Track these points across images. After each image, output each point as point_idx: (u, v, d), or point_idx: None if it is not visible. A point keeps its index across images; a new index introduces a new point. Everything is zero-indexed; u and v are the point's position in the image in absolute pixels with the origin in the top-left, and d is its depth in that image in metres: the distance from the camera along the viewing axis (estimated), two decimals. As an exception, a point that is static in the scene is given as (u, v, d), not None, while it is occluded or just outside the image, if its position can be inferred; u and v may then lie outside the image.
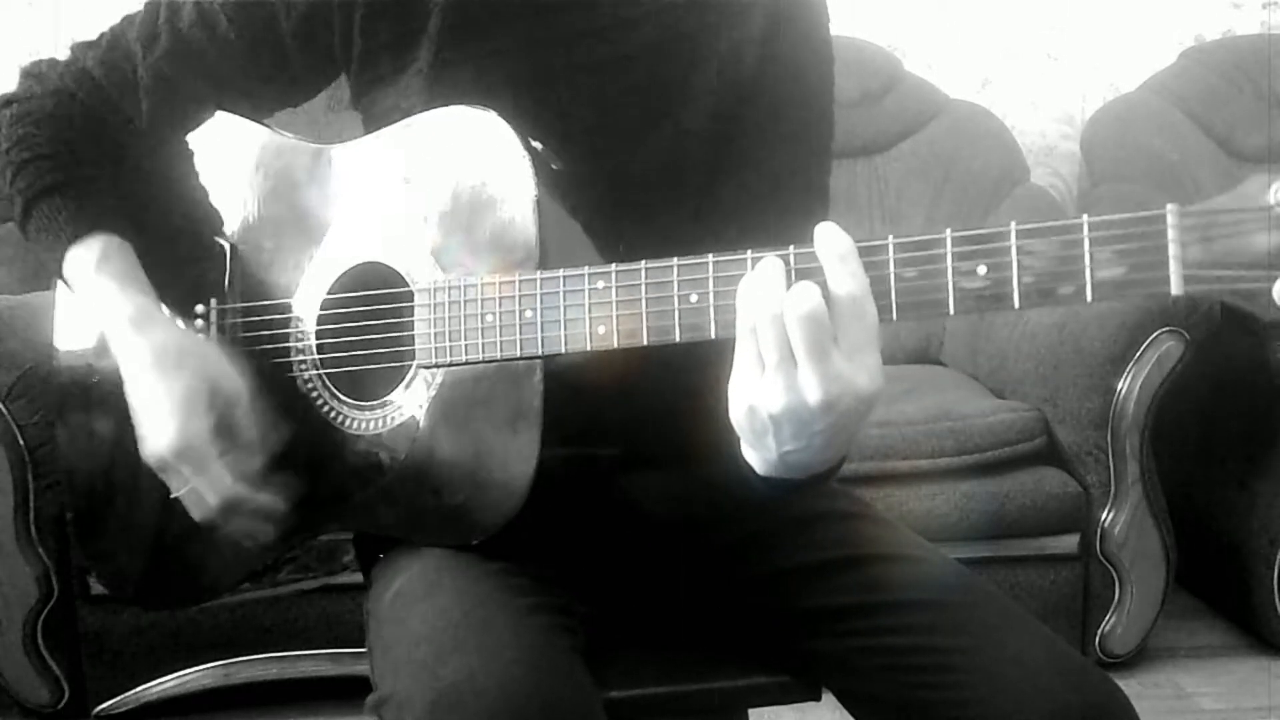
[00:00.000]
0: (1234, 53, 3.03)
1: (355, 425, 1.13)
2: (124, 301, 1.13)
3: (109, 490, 1.25)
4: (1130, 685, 1.04)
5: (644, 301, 0.95)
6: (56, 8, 2.80)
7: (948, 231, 0.86)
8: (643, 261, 0.95)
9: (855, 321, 0.86)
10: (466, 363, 1.04)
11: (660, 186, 1.16)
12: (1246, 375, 2.40)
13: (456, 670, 0.93)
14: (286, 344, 1.18)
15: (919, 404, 2.39)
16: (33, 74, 1.22)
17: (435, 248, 1.08)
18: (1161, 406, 2.30)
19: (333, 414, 1.14)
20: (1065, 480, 2.34)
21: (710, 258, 0.93)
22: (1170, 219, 0.80)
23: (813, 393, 0.87)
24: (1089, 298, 0.83)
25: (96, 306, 1.14)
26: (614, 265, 0.97)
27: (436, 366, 1.07)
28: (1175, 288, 0.80)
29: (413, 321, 1.07)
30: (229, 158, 1.23)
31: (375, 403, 1.12)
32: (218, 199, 1.23)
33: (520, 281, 1.01)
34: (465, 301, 1.04)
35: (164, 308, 1.15)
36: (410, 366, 1.09)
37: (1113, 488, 2.33)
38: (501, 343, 1.02)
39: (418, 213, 1.09)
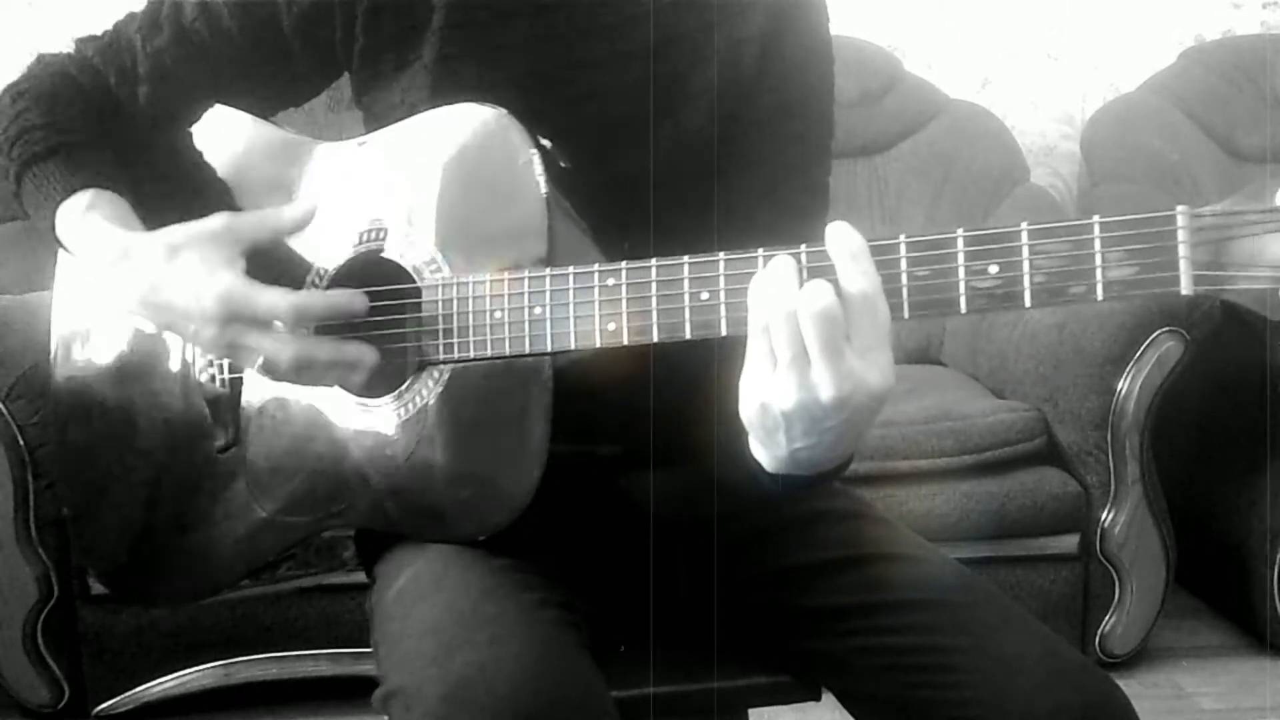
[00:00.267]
0: (1234, 53, 3.04)
1: (359, 421, 1.13)
2: (117, 235, 1.08)
3: (106, 487, 1.24)
4: (1130, 685, 1.04)
5: (654, 299, 0.96)
6: (57, 8, 2.80)
7: (959, 231, 0.87)
8: (654, 259, 0.96)
9: (868, 319, 0.87)
10: (475, 359, 1.04)
11: (661, 185, 1.16)
12: (1246, 375, 2.40)
13: (466, 664, 0.93)
14: None
15: (919, 404, 2.40)
16: (35, 66, 1.22)
17: (443, 244, 1.08)
18: (1161, 406, 2.30)
19: (335, 409, 1.14)
20: (1065, 480, 2.34)
21: (721, 256, 0.93)
22: (1180, 220, 0.82)
23: (825, 390, 0.87)
24: (1100, 297, 0.84)
25: (86, 245, 1.10)
26: (624, 263, 0.97)
27: (444, 363, 1.06)
28: (1185, 287, 0.82)
29: (419, 318, 1.07)
30: (232, 152, 1.23)
31: (380, 399, 1.12)
32: (220, 193, 1.23)
33: (530, 278, 1.01)
34: (474, 298, 1.04)
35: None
36: (416, 363, 1.09)
37: (1113, 488, 2.33)
38: (510, 339, 1.02)
39: (426, 208, 1.09)
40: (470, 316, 1.04)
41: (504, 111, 1.06)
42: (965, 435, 2.32)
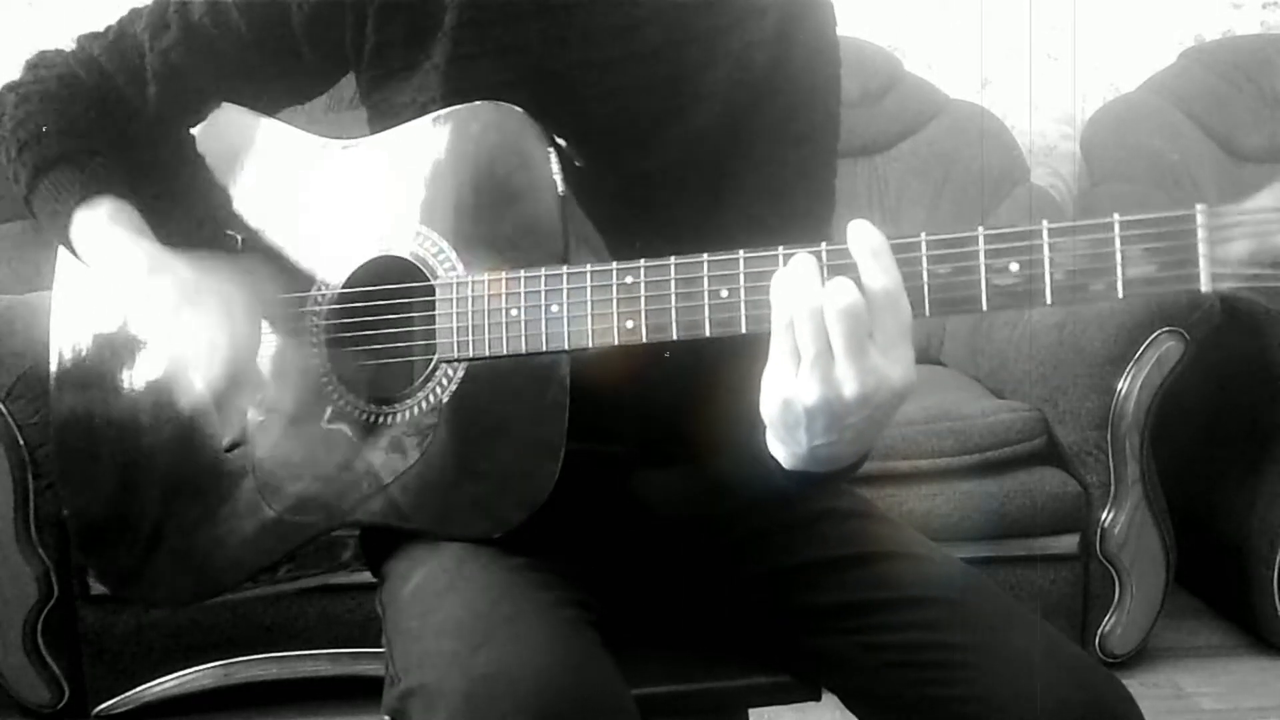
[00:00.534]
0: (1234, 53, 3.04)
1: (374, 419, 1.12)
2: (138, 250, 1.12)
3: (108, 487, 1.24)
4: (1130, 685, 1.04)
5: (674, 296, 0.96)
6: (57, 7, 2.79)
7: (980, 229, 0.88)
8: (672, 257, 0.96)
9: (890, 316, 0.88)
10: (490, 357, 1.04)
11: (671, 185, 1.16)
12: (1247, 374, 2.41)
13: (489, 662, 0.93)
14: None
15: (919, 404, 2.39)
16: (38, 64, 1.22)
17: (459, 241, 1.07)
18: (1161, 406, 2.30)
19: (351, 408, 1.14)
20: (1065, 480, 2.35)
21: (741, 253, 0.94)
22: (1200, 218, 0.83)
23: (849, 386, 0.88)
24: (1120, 294, 0.85)
25: (109, 258, 1.13)
26: (642, 261, 0.97)
27: (459, 361, 1.06)
28: (1204, 285, 0.83)
29: (434, 315, 1.07)
30: (243, 151, 1.23)
31: (394, 396, 1.12)
32: (231, 192, 1.23)
33: (547, 276, 1.01)
34: (490, 296, 1.03)
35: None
36: (431, 360, 1.09)
37: (1113, 488, 2.33)
38: (527, 337, 1.02)
39: (442, 206, 1.09)
40: (486, 315, 1.04)
41: (521, 110, 1.06)
42: (965, 435, 2.32)
